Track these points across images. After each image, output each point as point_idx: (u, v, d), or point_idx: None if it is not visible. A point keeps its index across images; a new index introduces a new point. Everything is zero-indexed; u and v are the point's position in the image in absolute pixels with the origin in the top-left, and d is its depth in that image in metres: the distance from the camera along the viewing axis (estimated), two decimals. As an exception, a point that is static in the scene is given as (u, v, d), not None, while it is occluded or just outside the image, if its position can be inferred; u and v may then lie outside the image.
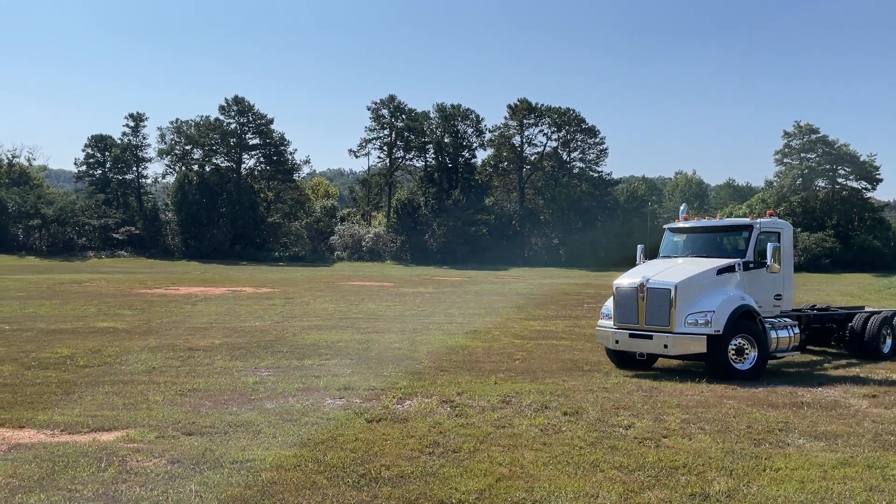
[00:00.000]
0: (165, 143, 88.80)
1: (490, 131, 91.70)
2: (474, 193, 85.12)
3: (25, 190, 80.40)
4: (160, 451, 7.54)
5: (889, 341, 15.28)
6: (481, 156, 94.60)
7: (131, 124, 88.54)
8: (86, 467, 6.92)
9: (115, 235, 78.74)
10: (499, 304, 26.65)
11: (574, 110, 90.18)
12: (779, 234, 13.68)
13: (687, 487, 6.71)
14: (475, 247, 78.14)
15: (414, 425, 8.79)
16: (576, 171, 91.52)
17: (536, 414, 9.49)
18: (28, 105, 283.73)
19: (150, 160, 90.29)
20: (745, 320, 12.51)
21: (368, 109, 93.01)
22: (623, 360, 13.43)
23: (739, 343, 12.44)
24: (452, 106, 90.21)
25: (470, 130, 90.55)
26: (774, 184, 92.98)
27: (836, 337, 15.54)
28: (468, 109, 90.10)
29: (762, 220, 13.70)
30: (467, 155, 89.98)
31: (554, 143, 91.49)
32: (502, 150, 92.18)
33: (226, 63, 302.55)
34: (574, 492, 6.51)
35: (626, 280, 13.12)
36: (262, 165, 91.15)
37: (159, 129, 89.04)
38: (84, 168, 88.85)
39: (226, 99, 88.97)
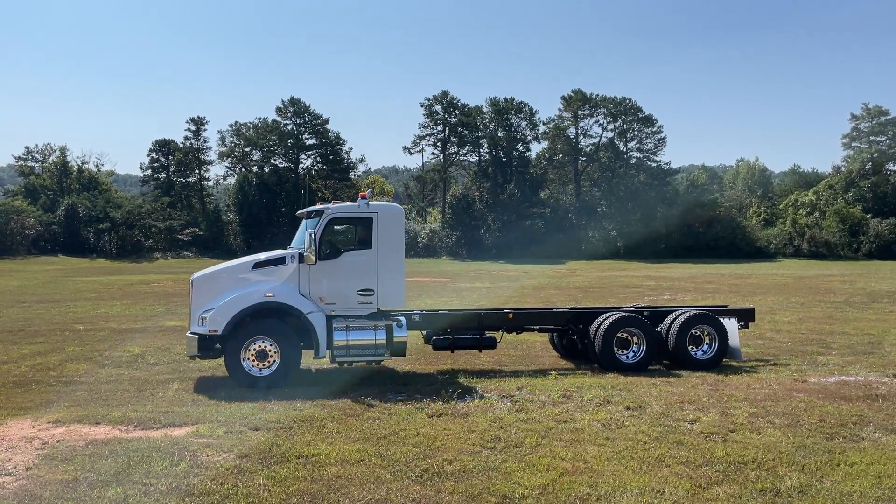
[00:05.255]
0: (225, 145, 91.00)
1: (544, 123, 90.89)
2: (529, 187, 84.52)
3: (95, 195, 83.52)
4: (229, 445, 7.75)
5: (643, 350, 12.34)
6: (535, 149, 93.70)
7: (192, 128, 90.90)
8: (159, 462, 7.16)
9: (179, 237, 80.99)
10: (557, 299, 26.44)
11: (630, 99, 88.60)
12: (371, 219, 11.56)
13: (757, 483, 6.55)
14: (531, 241, 77.56)
15: (475, 420, 8.81)
16: (633, 161, 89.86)
17: (598, 408, 9.40)
18: (96, 113, 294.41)
19: (211, 163, 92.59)
20: (267, 320, 10.96)
21: (422, 106, 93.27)
22: None
23: (260, 346, 10.84)
24: (505, 100, 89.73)
25: (524, 123, 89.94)
26: (842, 169, 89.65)
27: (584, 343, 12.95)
28: (521, 102, 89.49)
29: (337, 204, 11.90)
30: (521, 148, 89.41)
31: (610, 134, 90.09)
32: (557, 143, 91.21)
33: (281, 65, 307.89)
34: (639, 487, 6.42)
35: None
36: (319, 165, 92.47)
37: (219, 132, 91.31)
38: (149, 172, 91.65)
39: (282, 100, 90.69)
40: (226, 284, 11.27)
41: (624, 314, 12.63)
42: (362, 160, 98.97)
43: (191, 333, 11.05)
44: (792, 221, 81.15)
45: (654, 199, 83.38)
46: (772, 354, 14.21)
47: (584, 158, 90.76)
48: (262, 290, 11.07)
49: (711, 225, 79.51)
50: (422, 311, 12.93)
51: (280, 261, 11.43)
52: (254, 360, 10.88)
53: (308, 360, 11.85)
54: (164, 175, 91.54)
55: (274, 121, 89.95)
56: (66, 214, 77.42)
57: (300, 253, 11.34)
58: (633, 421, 8.75)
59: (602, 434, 8.16)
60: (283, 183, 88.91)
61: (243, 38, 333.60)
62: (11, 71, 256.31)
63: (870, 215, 78.86)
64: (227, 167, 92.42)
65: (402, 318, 11.75)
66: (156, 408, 9.60)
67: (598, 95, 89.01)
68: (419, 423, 8.65)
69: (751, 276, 42.32)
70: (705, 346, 12.76)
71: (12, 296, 29.30)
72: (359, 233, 11.86)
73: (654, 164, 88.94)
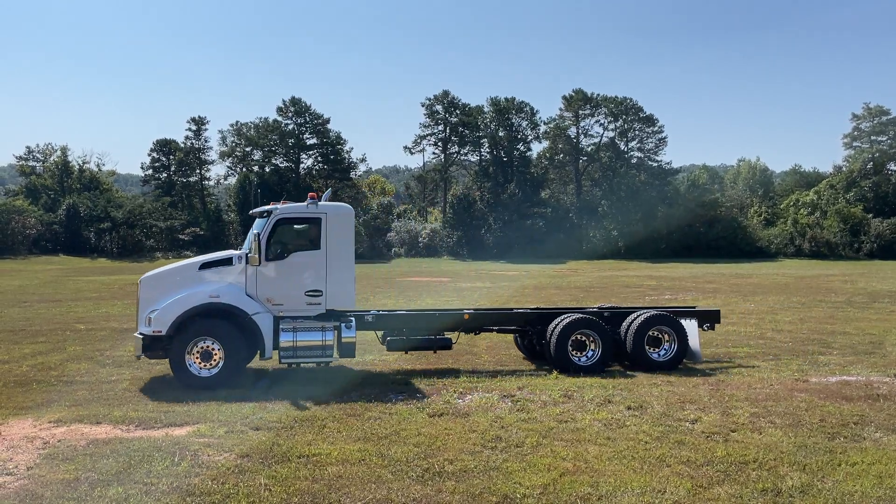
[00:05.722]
0: (226, 145, 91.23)
1: (545, 123, 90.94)
2: (530, 187, 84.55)
3: (96, 195, 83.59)
4: (230, 445, 7.75)
5: (598, 352, 12.19)
6: (536, 148, 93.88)
7: (193, 128, 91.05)
8: (160, 461, 7.16)
9: (180, 236, 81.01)
10: (557, 298, 26.44)
11: (631, 99, 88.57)
12: (319, 220, 11.54)
13: (758, 483, 6.54)
14: (532, 240, 77.58)
15: (476, 420, 8.80)
16: (634, 161, 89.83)
17: (599, 408, 9.39)
18: (96, 113, 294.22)
19: (212, 162, 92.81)
20: (212, 320, 10.88)
21: (423, 106, 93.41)
22: None
23: (205, 346, 10.81)
24: (506, 99, 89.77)
25: (524, 123, 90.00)
26: (843, 168, 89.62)
27: (542, 345, 12.76)
28: (522, 102, 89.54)
29: (286, 205, 11.73)
30: (522, 148, 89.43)
31: (611, 134, 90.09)
32: (558, 142, 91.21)
33: (281, 65, 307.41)
34: (640, 487, 6.42)
35: None
36: (320, 165, 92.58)
37: (220, 131, 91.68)
38: (150, 172, 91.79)
39: (283, 100, 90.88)
40: (173, 285, 11.21)
41: (579, 316, 12.43)
42: (363, 160, 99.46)
43: (138, 334, 11.03)
44: (793, 221, 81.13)
45: (654, 199, 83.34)
46: (773, 354, 14.20)
47: (585, 158, 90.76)
48: (207, 291, 11.04)
49: (712, 225, 79.49)
50: (378, 311, 12.84)
51: (227, 261, 11.37)
52: (198, 361, 10.84)
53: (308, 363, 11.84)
54: (164, 175, 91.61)
55: (275, 121, 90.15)
56: (68, 214, 77.46)
57: (247, 254, 11.27)
58: (634, 421, 8.75)
59: (603, 434, 8.16)
60: (284, 182, 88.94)
61: (243, 38, 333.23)
62: (11, 71, 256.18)
63: (871, 215, 78.87)
64: (228, 167, 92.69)
65: (353, 319, 11.64)
66: (157, 407, 9.60)
67: (598, 95, 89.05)
68: (420, 423, 8.65)
69: (752, 276, 42.30)
70: (664, 348, 12.57)
71: (13, 295, 29.32)
72: (308, 233, 11.75)
73: (654, 164, 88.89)
